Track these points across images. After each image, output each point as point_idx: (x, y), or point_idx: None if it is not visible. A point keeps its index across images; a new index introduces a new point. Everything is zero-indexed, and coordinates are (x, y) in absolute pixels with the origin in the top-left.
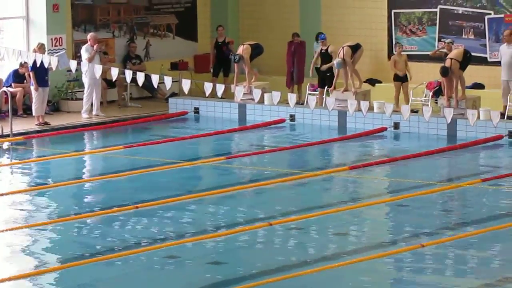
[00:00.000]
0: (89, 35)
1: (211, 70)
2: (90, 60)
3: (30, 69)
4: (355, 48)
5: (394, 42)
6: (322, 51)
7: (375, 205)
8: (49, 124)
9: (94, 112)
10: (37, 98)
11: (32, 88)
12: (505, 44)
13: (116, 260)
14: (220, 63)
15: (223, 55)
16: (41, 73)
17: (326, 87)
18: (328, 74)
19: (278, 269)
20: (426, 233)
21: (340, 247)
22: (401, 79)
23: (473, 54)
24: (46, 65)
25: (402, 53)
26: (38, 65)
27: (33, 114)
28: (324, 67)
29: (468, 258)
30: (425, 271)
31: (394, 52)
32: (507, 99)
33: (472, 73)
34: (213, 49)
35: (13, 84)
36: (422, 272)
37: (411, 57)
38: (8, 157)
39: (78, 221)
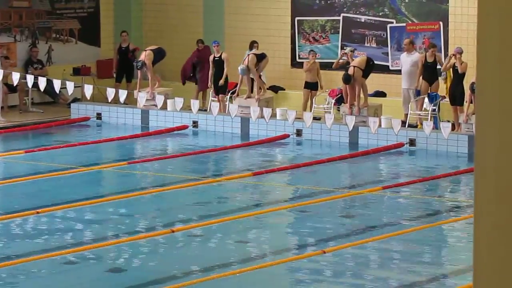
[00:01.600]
0: None
1: (114, 76)
2: None
3: None
4: (261, 57)
5: (297, 50)
6: (215, 58)
7: (277, 211)
8: None
9: None
10: None
11: None
12: (405, 53)
13: (15, 267)
14: (123, 69)
15: (127, 61)
16: None
17: (228, 92)
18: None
19: (178, 276)
20: (327, 239)
21: (241, 253)
22: (311, 87)
23: (375, 62)
24: None
25: (316, 61)
26: None
27: None
28: (221, 82)
29: (368, 264)
30: (326, 277)
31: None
32: (408, 107)
33: (374, 81)
34: (116, 55)
35: None
36: (323, 278)
37: None
38: None
39: None
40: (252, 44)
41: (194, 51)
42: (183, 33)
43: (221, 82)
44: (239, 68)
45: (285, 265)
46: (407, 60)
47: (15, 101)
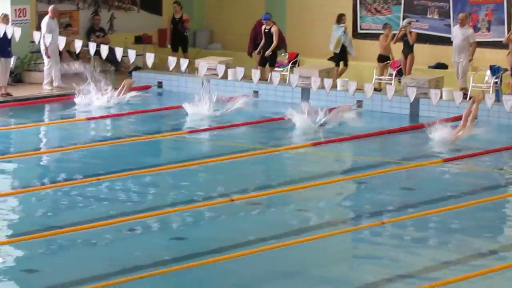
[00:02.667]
0: (50, 7)
1: (169, 46)
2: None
3: None
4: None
5: (358, 21)
6: (265, 30)
7: (336, 182)
8: (11, 95)
9: (55, 84)
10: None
11: None
12: (458, 26)
13: (77, 233)
14: (177, 39)
15: (179, 32)
16: (3, 43)
17: (289, 63)
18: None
19: (238, 245)
20: (386, 211)
21: (300, 223)
22: (384, 60)
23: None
24: (9, 36)
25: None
26: (1, 35)
27: None
28: (267, 53)
29: (428, 236)
30: (385, 249)
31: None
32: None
33: (436, 53)
34: (170, 25)
35: None
36: (381, 249)
37: (375, 36)
38: None
39: (38, 192)
40: (340, 18)
41: (257, 22)
42: (245, 2)
43: (267, 53)
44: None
45: (344, 235)
46: (458, 34)
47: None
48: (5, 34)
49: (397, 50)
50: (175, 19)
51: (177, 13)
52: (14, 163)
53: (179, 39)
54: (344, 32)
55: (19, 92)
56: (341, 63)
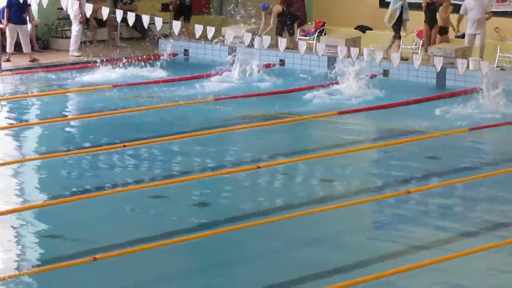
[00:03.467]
0: None
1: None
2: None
3: (5, 6)
4: None
5: None
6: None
7: (362, 151)
8: (38, 60)
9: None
10: (9, 35)
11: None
12: None
13: (104, 199)
14: (179, 8)
15: (182, 1)
16: (19, 10)
17: (316, 31)
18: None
19: (264, 212)
20: (412, 179)
21: (326, 191)
22: (444, 31)
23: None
24: (28, 1)
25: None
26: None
27: (24, 51)
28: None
29: (453, 205)
30: (410, 217)
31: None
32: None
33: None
34: None
35: (2, 20)
36: (407, 218)
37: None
38: None
39: (65, 158)
40: None
41: None
42: None
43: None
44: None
45: (369, 204)
46: (475, 6)
47: (104, 36)
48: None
49: (421, 19)
50: None
51: None
52: (41, 129)
53: (181, 8)
54: (402, 6)
55: (46, 58)
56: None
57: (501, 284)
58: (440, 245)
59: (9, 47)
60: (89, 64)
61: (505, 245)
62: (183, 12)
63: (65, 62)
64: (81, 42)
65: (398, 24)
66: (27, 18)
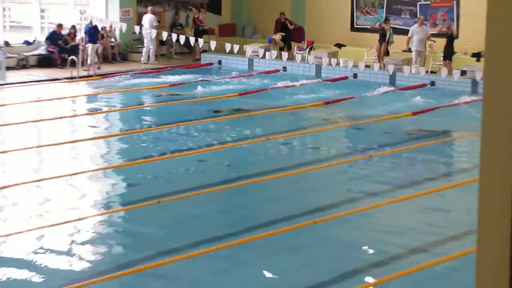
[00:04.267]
0: (149, 8)
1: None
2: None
3: (84, 32)
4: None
5: (355, 19)
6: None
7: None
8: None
9: (150, 60)
10: (91, 51)
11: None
12: (416, 25)
13: (150, 165)
14: (196, 32)
15: (196, 26)
16: (93, 34)
17: (307, 47)
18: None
19: (272, 171)
20: (374, 147)
21: (312, 157)
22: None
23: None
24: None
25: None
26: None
27: (89, 62)
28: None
29: (400, 165)
30: (371, 174)
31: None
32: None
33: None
34: (193, 24)
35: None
36: (369, 174)
37: (366, 30)
38: (87, 89)
39: (141, 134)
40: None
41: (276, 20)
42: (278, 8)
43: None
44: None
45: (339, 166)
46: (419, 31)
47: (163, 51)
48: (95, 27)
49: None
50: (193, 18)
51: (195, 14)
52: (117, 115)
53: (196, 32)
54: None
55: (125, 66)
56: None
57: (430, 220)
58: (389, 192)
59: (93, 61)
60: (154, 70)
61: (434, 192)
62: (197, 34)
63: (137, 68)
64: (148, 56)
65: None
66: (97, 39)
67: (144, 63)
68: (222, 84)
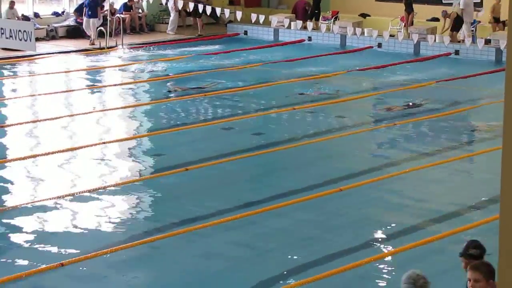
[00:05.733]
0: None
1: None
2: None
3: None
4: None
5: None
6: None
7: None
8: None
9: (169, 31)
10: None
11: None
12: None
13: (174, 134)
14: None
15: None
16: (93, 8)
17: (332, 17)
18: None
19: (295, 138)
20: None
21: (340, 125)
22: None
23: None
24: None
25: None
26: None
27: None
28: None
29: (422, 133)
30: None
31: None
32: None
33: (430, 10)
34: None
35: (123, 12)
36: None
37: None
38: (119, 59)
39: (167, 103)
40: None
41: None
42: None
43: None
44: None
45: (366, 133)
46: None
47: (190, 22)
48: (95, 1)
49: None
50: None
51: None
52: (144, 86)
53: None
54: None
55: (153, 37)
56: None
57: (454, 187)
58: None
59: (94, 35)
60: (179, 40)
61: (457, 160)
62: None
63: (165, 39)
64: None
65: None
66: (97, 13)
67: (172, 34)
68: (246, 54)
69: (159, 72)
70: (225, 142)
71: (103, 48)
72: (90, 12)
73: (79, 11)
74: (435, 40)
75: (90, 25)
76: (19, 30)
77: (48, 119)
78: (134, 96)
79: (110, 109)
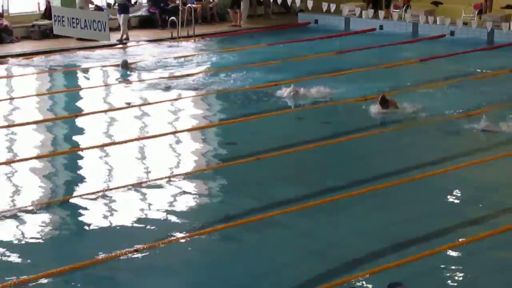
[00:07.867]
0: None
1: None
2: None
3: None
4: None
5: None
6: None
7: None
8: (129, 40)
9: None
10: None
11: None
12: None
13: (258, 120)
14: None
15: None
16: (125, 5)
17: (404, 6)
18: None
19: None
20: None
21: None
22: None
23: None
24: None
25: None
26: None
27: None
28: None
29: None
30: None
31: None
32: None
33: None
34: None
35: (195, 2)
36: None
37: None
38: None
39: (236, 92)
40: None
41: None
42: None
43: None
44: None
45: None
46: None
47: (261, 11)
48: None
49: None
50: None
51: None
52: (215, 75)
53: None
54: None
55: (220, 27)
56: None
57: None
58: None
59: (124, 31)
60: (250, 30)
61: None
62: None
63: (235, 29)
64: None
65: None
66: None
67: (243, 24)
68: (316, 44)
69: (229, 62)
70: (296, 131)
71: (175, 38)
72: (120, 9)
73: (152, 1)
74: (509, 28)
75: (121, 21)
76: (94, 20)
77: (120, 108)
78: (205, 84)
79: (179, 98)
